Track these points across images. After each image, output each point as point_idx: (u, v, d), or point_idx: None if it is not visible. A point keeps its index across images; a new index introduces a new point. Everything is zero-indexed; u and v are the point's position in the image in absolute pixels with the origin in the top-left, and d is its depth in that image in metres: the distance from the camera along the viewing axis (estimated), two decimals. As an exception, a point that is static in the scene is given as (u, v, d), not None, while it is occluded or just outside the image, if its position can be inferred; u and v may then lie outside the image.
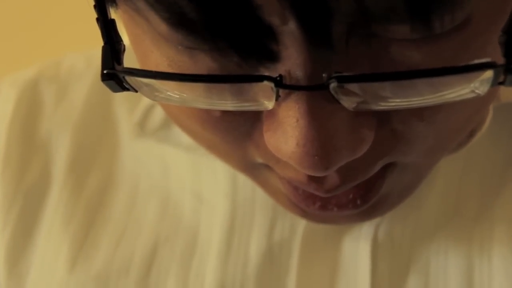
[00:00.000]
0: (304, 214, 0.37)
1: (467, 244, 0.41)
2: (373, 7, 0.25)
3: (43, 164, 0.47)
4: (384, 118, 0.30)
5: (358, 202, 0.35)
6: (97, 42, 0.31)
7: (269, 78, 0.27)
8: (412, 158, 0.34)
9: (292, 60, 0.27)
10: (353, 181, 0.33)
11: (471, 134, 0.41)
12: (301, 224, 0.43)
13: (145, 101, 0.46)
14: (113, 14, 0.30)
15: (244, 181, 0.44)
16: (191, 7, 0.25)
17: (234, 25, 0.26)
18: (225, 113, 0.31)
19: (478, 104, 0.32)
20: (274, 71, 0.28)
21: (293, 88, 0.28)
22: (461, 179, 0.43)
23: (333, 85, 0.27)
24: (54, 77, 0.49)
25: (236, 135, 0.32)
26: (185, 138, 0.45)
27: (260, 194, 0.44)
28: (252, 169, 0.36)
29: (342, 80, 0.27)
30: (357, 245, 0.42)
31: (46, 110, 0.48)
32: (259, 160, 0.34)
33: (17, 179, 0.47)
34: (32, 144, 0.47)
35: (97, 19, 0.30)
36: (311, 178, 0.33)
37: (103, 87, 0.47)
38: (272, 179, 0.36)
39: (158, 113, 0.46)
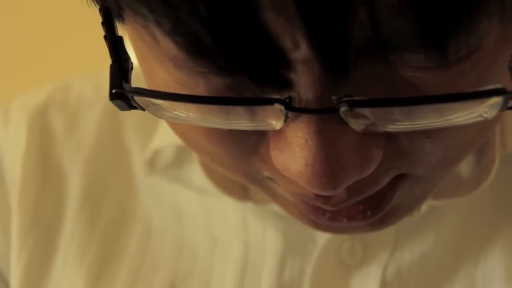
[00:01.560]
0: (315, 224, 0.37)
1: (471, 284, 0.42)
2: (389, 35, 0.25)
3: (58, 196, 0.47)
4: (391, 136, 0.30)
5: (369, 213, 0.35)
6: (104, 58, 0.31)
7: (279, 101, 0.27)
8: (422, 171, 0.33)
9: (303, 87, 0.27)
10: (360, 196, 0.33)
11: (479, 181, 0.41)
12: (311, 263, 0.43)
13: (156, 140, 0.46)
14: (120, 30, 0.30)
15: (255, 223, 0.45)
16: (208, 36, 0.25)
17: (249, 54, 0.26)
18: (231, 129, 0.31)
19: (485, 123, 0.32)
20: (283, 93, 0.28)
21: (303, 111, 0.28)
22: (466, 222, 0.44)
23: (343, 108, 0.27)
24: (64, 104, 0.49)
25: (242, 149, 0.32)
26: (195, 179, 0.46)
27: (270, 235, 0.45)
28: (260, 182, 0.36)
29: (352, 104, 0.27)
30: (366, 285, 0.43)
31: (58, 139, 0.48)
32: (265, 174, 0.34)
33: (34, 210, 0.47)
34: (46, 175, 0.47)
35: (105, 37, 0.29)
36: (318, 194, 0.33)
37: (113, 117, 0.48)
38: (280, 190, 0.36)
39: (169, 152, 0.46)
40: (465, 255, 0.43)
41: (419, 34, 0.25)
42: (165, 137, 0.45)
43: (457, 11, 0.25)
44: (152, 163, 0.46)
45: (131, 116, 0.48)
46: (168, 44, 0.27)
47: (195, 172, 0.46)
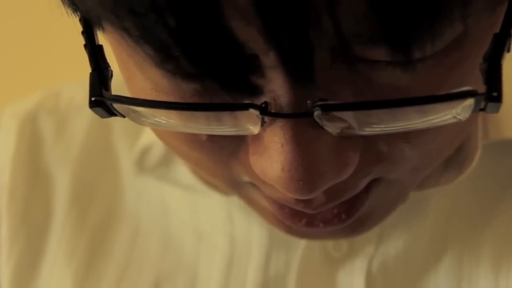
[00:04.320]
0: (290, 230, 0.37)
1: (457, 274, 0.42)
2: (351, 32, 0.25)
3: (46, 199, 0.48)
4: (369, 140, 0.31)
5: (343, 216, 0.35)
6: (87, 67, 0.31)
7: (254, 106, 0.28)
8: (397, 176, 0.34)
9: (275, 91, 0.27)
10: (339, 199, 0.33)
11: (461, 170, 0.41)
12: (296, 258, 0.44)
13: (143, 139, 0.47)
14: (101, 39, 0.31)
15: (240, 219, 0.45)
16: (175, 44, 0.26)
17: (217, 61, 0.26)
18: (210, 135, 0.32)
19: (462, 126, 0.33)
20: (259, 99, 0.28)
21: (278, 115, 0.28)
22: (451, 212, 0.44)
23: (317, 112, 0.27)
24: (54, 109, 0.50)
25: (222, 154, 0.33)
26: (182, 177, 0.46)
27: (255, 230, 0.45)
28: (239, 187, 0.36)
29: (326, 108, 0.27)
30: (351, 279, 0.43)
31: (47, 144, 0.49)
32: (246, 178, 0.34)
33: (22, 213, 0.47)
34: (35, 179, 0.48)
35: (85, 45, 0.30)
36: (298, 199, 0.33)
37: (102, 121, 0.48)
38: (258, 198, 0.36)
39: (156, 152, 0.47)
40: (450, 246, 0.43)
41: (383, 38, 0.25)
42: (151, 134, 0.45)
43: (420, 18, 0.25)
44: (140, 162, 0.47)
45: (119, 119, 0.48)
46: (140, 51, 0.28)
47: (182, 170, 0.46)
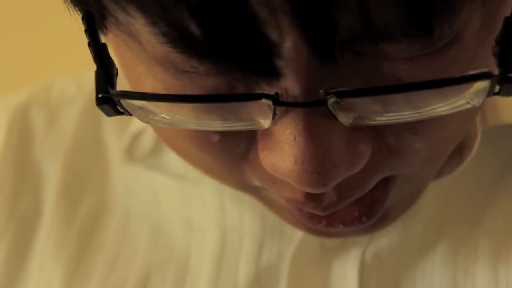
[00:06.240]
0: (312, 230, 0.37)
1: (453, 265, 0.42)
2: (376, 21, 0.25)
3: (35, 192, 0.47)
4: (378, 133, 0.31)
5: (364, 219, 0.35)
6: (89, 64, 0.31)
7: (266, 96, 0.27)
8: (409, 170, 0.34)
9: (291, 76, 0.27)
10: (350, 197, 0.33)
11: (462, 158, 0.41)
12: (289, 248, 0.43)
13: (132, 127, 0.46)
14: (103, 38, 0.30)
15: (232, 208, 0.45)
16: (194, 22, 0.25)
17: (237, 41, 0.26)
18: (221, 135, 0.31)
19: (468, 115, 0.33)
20: (270, 89, 0.28)
21: (291, 105, 0.28)
22: (447, 201, 0.43)
23: (331, 100, 0.27)
24: (45, 102, 0.49)
25: (232, 157, 0.32)
26: (173, 166, 0.46)
27: (247, 220, 0.44)
28: (254, 192, 0.36)
29: (341, 95, 0.27)
30: (345, 268, 0.42)
31: (37, 136, 0.48)
32: (256, 183, 0.34)
33: (10, 207, 0.46)
34: (24, 171, 0.47)
35: (89, 44, 0.29)
36: (308, 197, 0.32)
37: (93, 113, 0.48)
38: (276, 198, 0.36)
39: (147, 140, 0.46)
40: (446, 236, 0.42)
41: (405, 18, 0.25)
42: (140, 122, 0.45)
43: None
44: (130, 150, 0.46)
45: None
46: (154, 45, 0.27)
47: (173, 159, 0.46)
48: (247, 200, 0.44)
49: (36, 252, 0.45)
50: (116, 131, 0.47)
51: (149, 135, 0.45)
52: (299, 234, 0.43)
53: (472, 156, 0.41)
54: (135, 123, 0.46)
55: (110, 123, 0.47)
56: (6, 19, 0.90)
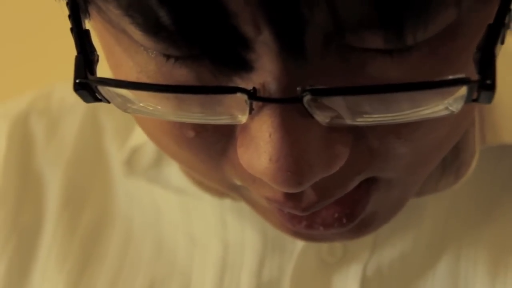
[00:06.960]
0: (294, 233, 0.36)
1: (453, 281, 0.42)
2: (346, 16, 0.25)
3: (37, 201, 0.47)
4: (360, 134, 0.30)
5: (344, 221, 0.34)
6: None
7: (242, 90, 0.27)
8: (393, 174, 0.33)
9: (266, 72, 0.27)
10: (330, 198, 0.32)
11: (458, 175, 0.41)
12: (290, 262, 0.43)
13: (133, 139, 0.46)
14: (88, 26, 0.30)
15: (233, 222, 0.45)
16: (165, 12, 0.25)
17: (208, 32, 0.26)
18: (198, 130, 0.31)
19: (455, 122, 0.32)
20: (248, 84, 0.27)
21: (266, 100, 0.27)
22: (447, 217, 0.43)
23: (306, 98, 0.27)
24: (45, 110, 0.49)
25: (211, 154, 0.32)
26: (174, 180, 0.46)
27: (249, 234, 0.44)
28: (237, 190, 0.36)
29: (315, 93, 0.26)
30: (346, 284, 0.42)
31: (38, 146, 0.48)
32: (237, 181, 0.34)
33: (13, 217, 0.46)
34: (26, 180, 0.47)
35: (71, 29, 0.29)
36: (288, 197, 0.32)
37: (94, 122, 0.48)
38: (259, 199, 0.35)
39: (147, 153, 0.46)
40: (447, 251, 0.43)
41: (376, 14, 0.25)
42: (141, 135, 0.44)
43: None
44: (130, 164, 0.46)
45: (111, 119, 0.48)
46: (131, 28, 0.27)
47: (174, 173, 0.46)
48: (248, 214, 0.44)
49: (38, 263, 0.46)
50: (117, 141, 0.47)
51: (149, 148, 0.45)
52: (298, 247, 0.43)
53: (470, 174, 0.40)
54: (135, 135, 0.46)
55: (111, 133, 0.48)
56: (6, 20, 0.91)
